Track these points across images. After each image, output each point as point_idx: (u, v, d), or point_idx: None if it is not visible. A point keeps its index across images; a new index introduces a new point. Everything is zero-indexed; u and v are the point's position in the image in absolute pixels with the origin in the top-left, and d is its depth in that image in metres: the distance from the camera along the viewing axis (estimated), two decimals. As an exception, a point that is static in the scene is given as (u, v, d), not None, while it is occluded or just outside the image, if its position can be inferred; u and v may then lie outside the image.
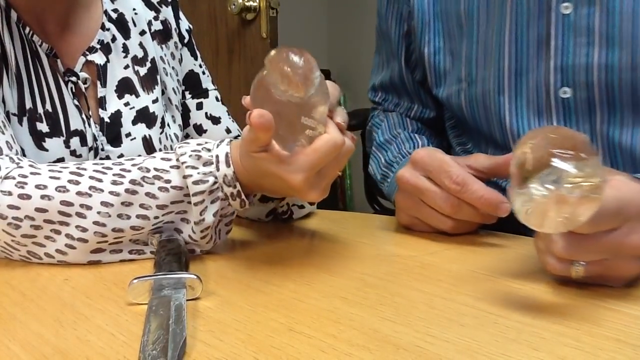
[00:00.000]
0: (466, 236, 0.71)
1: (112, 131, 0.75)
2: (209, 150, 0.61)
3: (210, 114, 0.88)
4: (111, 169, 0.62)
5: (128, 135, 0.76)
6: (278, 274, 0.59)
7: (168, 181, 0.61)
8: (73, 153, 0.72)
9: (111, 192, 0.60)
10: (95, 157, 0.74)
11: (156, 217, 0.61)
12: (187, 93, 0.87)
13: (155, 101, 0.79)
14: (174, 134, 0.82)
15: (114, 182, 0.60)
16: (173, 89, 0.84)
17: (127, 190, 0.60)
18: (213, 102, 0.89)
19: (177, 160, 0.61)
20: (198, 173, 0.60)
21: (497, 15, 0.75)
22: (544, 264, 0.53)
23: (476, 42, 0.78)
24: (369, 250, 0.67)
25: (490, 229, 0.73)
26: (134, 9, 0.82)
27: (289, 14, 2.47)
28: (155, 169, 0.61)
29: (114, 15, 0.80)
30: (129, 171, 0.61)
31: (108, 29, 0.78)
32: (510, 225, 0.79)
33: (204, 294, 0.52)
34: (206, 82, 0.89)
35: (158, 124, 0.79)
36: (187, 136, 0.88)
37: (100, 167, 0.62)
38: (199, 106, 0.87)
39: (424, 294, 0.53)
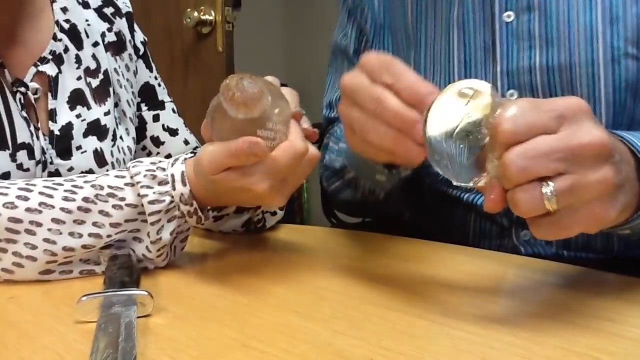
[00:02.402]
0: (420, 250, 0.72)
1: (62, 144, 0.74)
2: (163, 169, 0.61)
3: (168, 126, 0.88)
4: (62, 185, 0.60)
5: (79, 148, 0.75)
6: (231, 288, 0.58)
7: (122, 199, 0.60)
8: (20, 167, 0.70)
9: (62, 209, 0.59)
10: (43, 170, 0.72)
11: (109, 236, 0.60)
12: (143, 105, 0.87)
13: (107, 113, 0.78)
14: (127, 146, 0.81)
15: (66, 199, 0.59)
16: (127, 101, 0.83)
17: (79, 208, 0.59)
18: (170, 114, 0.88)
19: (132, 178, 0.61)
20: (154, 192, 0.60)
21: (444, 25, 0.78)
22: (517, 208, 0.46)
23: (424, 50, 0.80)
24: (324, 264, 0.67)
25: (444, 242, 0.74)
26: (86, 20, 0.80)
27: (245, 28, 2.47)
28: (109, 187, 0.60)
29: (66, 26, 0.78)
30: (81, 188, 0.60)
31: (60, 40, 0.77)
32: (463, 238, 0.81)
33: (155, 310, 0.51)
34: (162, 94, 0.89)
35: (110, 136, 0.78)
36: (143, 148, 0.87)
37: (50, 184, 0.60)
38: (156, 118, 0.87)
39: (377, 307, 0.53)
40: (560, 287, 0.60)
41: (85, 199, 0.59)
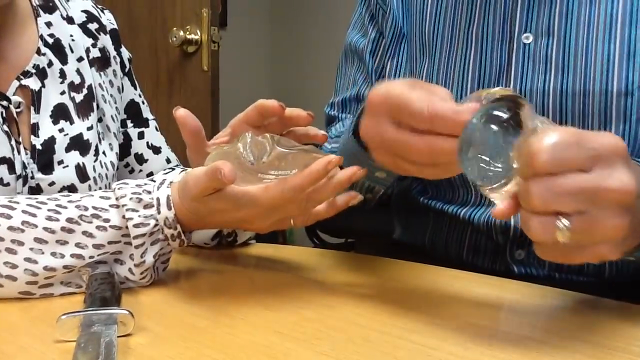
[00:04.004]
0: (404, 271, 0.72)
1: (44, 158, 0.73)
2: (149, 192, 0.61)
3: (152, 144, 0.88)
4: (46, 204, 0.60)
5: (60, 162, 0.74)
6: (213, 308, 0.58)
7: (107, 220, 0.60)
8: (0, 182, 0.69)
9: (46, 229, 0.58)
10: (24, 185, 0.71)
11: (91, 257, 0.59)
12: (128, 122, 0.87)
13: (90, 128, 0.78)
14: (110, 161, 0.80)
15: (49, 218, 0.58)
16: (111, 116, 0.82)
17: (63, 228, 0.58)
18: (153, 132, 0.89)
19: (117, 199, 0.60)
20: (139, 216, 0.59)
21: (462, 39, 0.79)
22: (528, 231, 0.47)
23: (438, 62, 0.81)
24: (307, 284, 0.67)
25: (437, 257, 0.74)
26: (71, 35, 0.80)
27: (231, 47, 2.48)
28: (94, 207, 0.60)
29: (50, 40, 0.78)
30: (65, 207, 0.59)
31: (44, 54, 0.77)
32: (457, 253, 0.81)
33: (136, 329, 0.51)
34: (146, 111, 0.89)
35: (92, 151, 0.77)
36: (126, 165, 0.87)
37: (34, 202, 0.60)
38: (141, 135, 0.87)
39: (360, 327, 0.53)
40: (549, 311, 0.60)
41: (69, 220, 0.59)
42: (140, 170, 0.87)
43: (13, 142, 0.71)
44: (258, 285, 0.67)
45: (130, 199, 0.60)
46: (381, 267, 0.73)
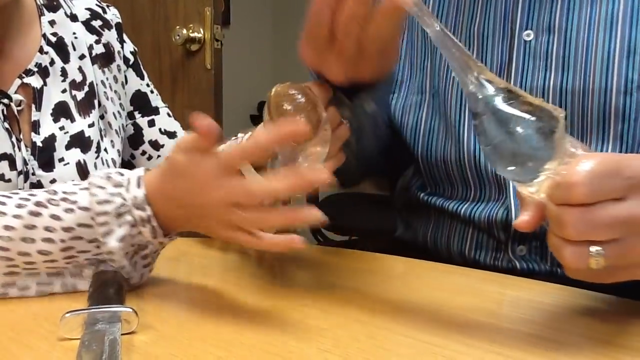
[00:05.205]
0: (408, 268, 0.72)
1: (44, 155, 0.73)
2: (122, 174, 0.58)
3: (165, 129, 0.89)
4: (18, 193, 0.59)
5: (61, 160, 0.74)
6: (216, 306, 0.58)
7: (74, 202, 0.57)
8: (1, 177, 0.70)
9: (15, 216, 0.57)
10: (25, 181, 0.71)
11: (62, 241, 0.57)
12: (136, 112, 0.87)
13: (91, 125, 0.78)
14: (112, 159, 0.81)
15: (19, 206, 0.57)
16: (114, 113, 0.83)
17: (30, 213, 0.57)
18: (166, 118, 0.90)
19: (89, 183, 0.58)
20: (105, 193, 0.57)
21: (464, 35, 0.79)
22: (561, 259, 0.48)
23: (440, 60, 0.81)
24: (310, 282, 0.67)
25: (440, 254, 0.74)
26: (74, 33, 0.81)
27: (234, 45, 2.48)
28: (64, 192, 0.58)
29: (53, 39, 0.78)
30: (35, 195, 0.58)
31: (46, 52, 0.77)
32: (460, 249, 0.81)
33: (140, 327, 0.51)
34: (155, 100, 0.90)
35: (93, 148, 0.77)
36: (143, 153, 0.88)
37: (9, 192, 0.59)
38: (151, 123, 0.88)
39: (363, 325, 0.53)
40: (550, 308, 0.60)
41: (38, 203, 0.58)
42: (159, 156, 0.88)
43: (14, 139, 0.72)
44: (262, 283, 0.67)
45: (101, 177, 0.58)
46: (384, 265, 0.73)
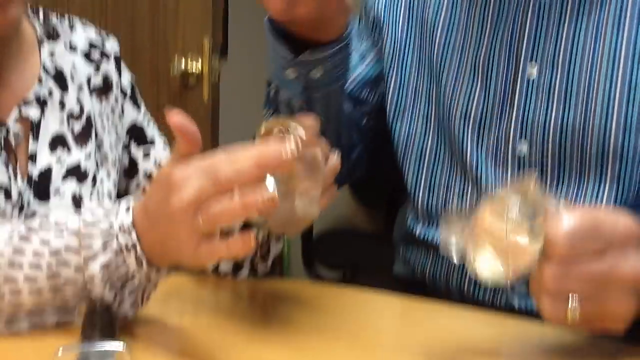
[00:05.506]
0: (404, 307, 0.71)
1: (40, 187, 0.73)
2: (115, 202, 0.58)
3: (160, 161, 0.88)
4: (11, 221, 0.58)
5: (57, 191, 0.74)
6: (209, 343, 0.57)
7: (65, 225, 0.57)
8: None
9: (6, 242, 0.56)
10: (20, 212, 0.71)
11: (49, 266, 0.56)
12: (132, 143, 0.87)
13: (87, 157, 0.78)
14: (107, 190, 0.80)
15: (11, 232, 0.57)
16: (110, 143, 0.82)
17: (21, 237, 0.56)
18: (161, 151, 0.89)
19: (82, 209, 0.58)
20: (94, 216, 0.56)
21: (470, 65, 0.80)
22: (540, 307, 0.52)
23: (444, 88, 0.81)
24: (303, 320, 0.66)
25: (439, 289, 0.73)
26: (73, 64, 0.81)
27: (231, 78, 2.50)
28: (58, 219, 0.58)
29: (52, 70, 0.79)
30: (29, 222, 0.58)
31: (45, 83, 0.77)
32: (459, 285, 0.81)
33: (131, 364, 0.50)
34: (152, 131, 0.89)
35: (89, 180, 0.77)
36: (137, 186, 0.87)
37: (4, 220, 0.59)
38: (147, 155, 0.87)
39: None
40: (548, 353, 0.59)
41: (29, 229, 0.57)
42: None
43: (10, 170, 0.71)
44: (254, 320, 0.66)
45: (94, 204, 0.57)
46: (379, 304, 0.72)
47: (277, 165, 0.51)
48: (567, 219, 0.48)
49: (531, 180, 0.51)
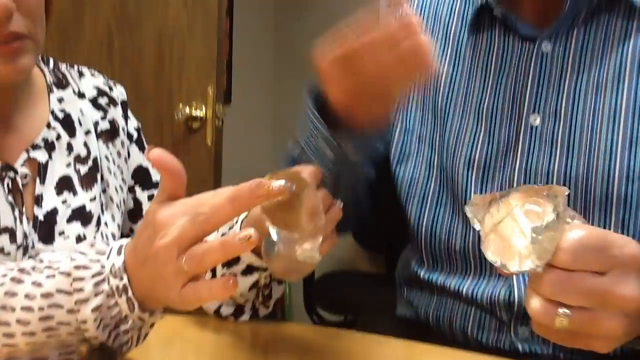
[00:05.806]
0: (406, 351, 0.71)
1: (45, 229, 0.73)
2: (107, 244, 0.58)
3: None
4: (5, 263, 0.58)
5: (62, 233, 0.74)
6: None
7: (57, 268, 0.56)
8: (0, 251, 0.70)
9: None
10: (24, 254, 0.71)
11: (41, 309, 0.55)
12: (137, 186, 0.88)
13: (93, 199, 0.79)
14: (112, 233, 0.81)
15: (3, 274, 0.57)
16: (116, 187, 0.83)
17: (13, 279, 0.56)
18: None
19: (74, 251, 0.57)
20: (85, 259, 0.56)
21: (474, 113, 0.81)
22: (530, 310, 0.51)
23: (449, 133, 0.82)
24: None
25: (441, 334, 0.73)
26: (81, 110, 0.83)
27: (235, 122, 2.53)
28: (50, 261, 0.58)
29: (60, 115, 0.80)
30: (21, 264, 0.58)
31: (54, 128, 0.79)
32: (462, 329, 0.80)
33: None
34: (156, 175, 0.90)
35: (94, 222, 0.78)
36: None
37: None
38: (151, 198, 0.88)
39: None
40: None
41: (21, 270, 0.57)
42: None
43: (17, 213, 0.72)
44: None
45: (86, 245, 0.57)
46: (382, 348, 0.72)
47: (249, 199, 0.52)
48: (579, 231, 0.49)
49: (563, 191, 0.51)
